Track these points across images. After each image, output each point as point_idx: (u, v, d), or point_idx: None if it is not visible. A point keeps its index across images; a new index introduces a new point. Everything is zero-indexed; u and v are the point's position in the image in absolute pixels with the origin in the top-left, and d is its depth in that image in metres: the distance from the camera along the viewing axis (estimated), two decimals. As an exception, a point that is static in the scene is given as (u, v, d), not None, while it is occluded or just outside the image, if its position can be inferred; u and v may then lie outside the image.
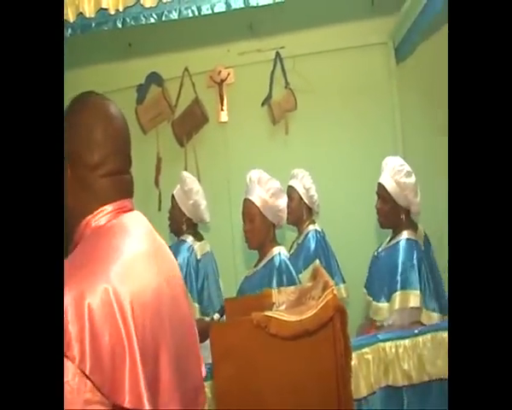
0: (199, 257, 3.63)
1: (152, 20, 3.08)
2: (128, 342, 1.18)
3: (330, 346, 1.92)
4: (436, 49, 4.49)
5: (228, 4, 2.99)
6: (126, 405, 1.16)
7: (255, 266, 3.21)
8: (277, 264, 3.02)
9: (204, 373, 1.54)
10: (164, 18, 3.08)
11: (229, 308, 2.59)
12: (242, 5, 2.98)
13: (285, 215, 3.15)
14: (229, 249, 4.70)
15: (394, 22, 4.49)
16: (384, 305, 2.99)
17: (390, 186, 3.07)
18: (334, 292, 1.91)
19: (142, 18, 3.05)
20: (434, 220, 3.97)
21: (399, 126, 4.70)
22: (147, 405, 1.18)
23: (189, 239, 3.69)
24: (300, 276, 3.32)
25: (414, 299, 2.92)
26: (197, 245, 3.68)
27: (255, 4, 2.98)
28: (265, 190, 3.05)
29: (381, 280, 3.06)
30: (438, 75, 4.54)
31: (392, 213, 3.11)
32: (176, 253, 3.57)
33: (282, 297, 2.49)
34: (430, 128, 4.59)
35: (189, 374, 1.41)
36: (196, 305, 3.52)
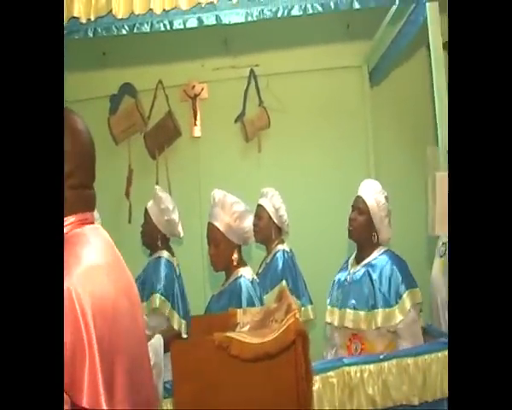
0: (178, 273, 3.62)
1: (123, 32, 3.06)
2: (88, 342, 1.19)
3: (291, 370, 1.89)
4: (409, 75, 4.56)
5: (200, 20, 2.98)
6: (84, 404, 1.17)
7: (223, 284, 3.19)
8: (238, 286, 3.01)
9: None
10: (136, 30, 3.07)
11: (195, 326, 2.56)
12: (214, 22, 2.98)
13: (251, 235, 3.15)
14: (200, 264, 4.65)
15: (369, 47, 4.53)
16: (392, 309, 2.95)
17: (369, 201, 3.09)
18: (297, 316, 1.88)
19: (114, 28, 3.04)
20: (404, 242, 3.97)
21: (372, 148, 4.73)
22: (104, 405, 1.19)
23: (165, 254, 3.67)
24: (267, 296, 3.30)
25: (419, 295, 2.99)
26: (174, 260, 3.67)
27: (227, 22, 2.98)
28: (230, 215, 3.06)
29: (379, 288, 3.01)
30: (410, 100, 4.62)
31: (364, 229, 3.11)
32: (158, 270, 3.57)
33: (246, 318, 2.46)
34: (402, 151, 4.61)
35: (141, 387, 1.41)
36: (183, 320, 3.50)
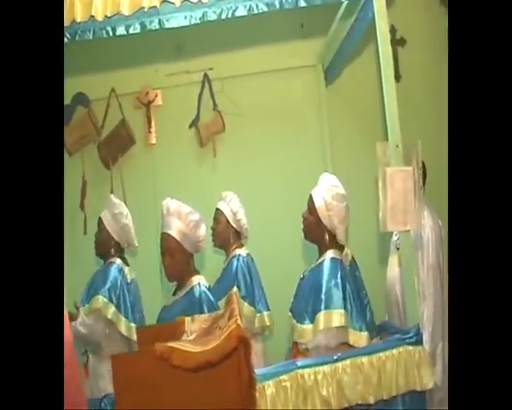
0: (129, 280, 3.57)
1: (65, 40, 3.00)
2: None
3: (234, 377, 1.85)
4: (361, 71, 4.56)
5: (143, 25, 2.94)
6: None
7: (174, 294, 3.17)
8: (197, 294, 3.00)
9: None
10: (78, 38, 3.03)
11: (141, 337, 2.51)
12: (158, 26, 2.94)
13: (204, 244, 3.16)
14: (156, 275, 4.58)
15: (323, 45, 4.50)
16: (308, 326, 2.90)
17: (317, 201, 3.05)
18: (238, 322, 1.84)
19: (55, 37, 2.97)
20: (358, 237, 3.97)
21: (329, 148, 4.71)
22: None
23: (117, 261, 3.63)
24: (220, 302, 3.25)
25: (338, 318, 2.86)
26: (126, 268, 3.62)
27: (170, 26, 2.95)
28: (186, 224, 3.06)
29: (305, 301, 2.99)
30: (363, 97, 4.61)
31: (315, 228, 3.07)
32: (106, 274, 3.54)
33: (194, 326, 2.42)
34: (359, 148, 4.59)
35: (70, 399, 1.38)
36: (132, 324, 3.43)
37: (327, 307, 2.88)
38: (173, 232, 3.05)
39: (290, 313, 3.10)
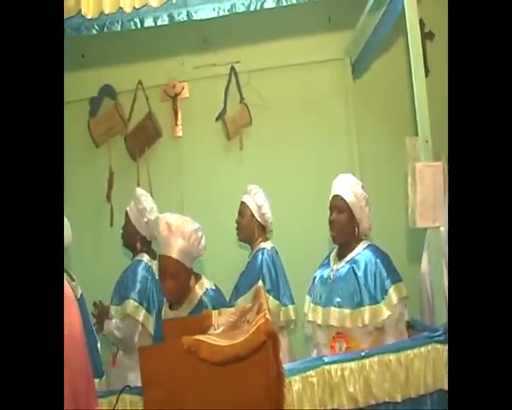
0: (157, 276, 3.55)
1: (94, 32, 3.01)
2: None
3: (262, 372, 1.84)
4: (389, 65, 4.51)
5: (171, 17, 2.93)
6: None
7: (171, 308, 3.04)
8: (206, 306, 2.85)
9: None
10: (106, 30, 3.02)
11: (168, 330, 2.50)
12: (186, 18, 2.93)
13: (203, 250, 2.95)
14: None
15: (351, 39, 4.46)
16: (380, 305, 2.91)
17: (348, 196, 3.06)
18: (267, 316, 1.82)
19: (84, 29, 2.98)
20: (386, 233, 3.94)
21: (356, 142, 4.67)
22: None
23: (145, 258, 3.64)
24: (245, 296, 3.25)
25: (404, 289, 2.96)
26: (154, 264, 3.60)
27: (198, 18, 2.93)
28: (188, 241, 2.84)
29: (366, 283, 2.96)
30: (392, 91, 4.56)
31: (347, 227, 3.07)
32: (135, 274, 3.55)
33: (222, 319, 2.41)
34: (386, 143, 4.55)
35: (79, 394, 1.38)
36: None
37: (394, 282, 2.94)
38: (175, 254, 2.82)
39: (333, 307, 3.05)
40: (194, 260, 2.93)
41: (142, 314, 3.44)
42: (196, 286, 2.94)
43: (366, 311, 2.91)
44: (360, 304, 2.93)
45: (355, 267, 3.01)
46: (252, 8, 2.99)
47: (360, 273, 2.98)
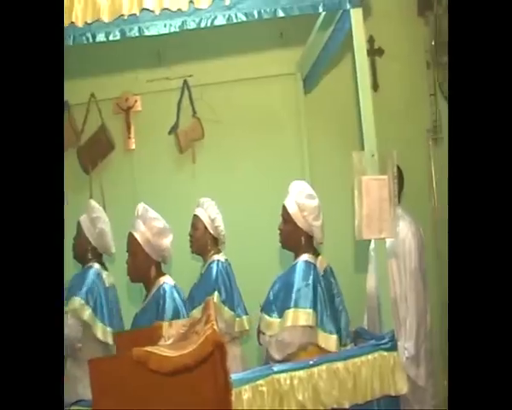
0: (107, 285, 3.57)
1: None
2: None
3: (210, 381, 1.88)
4: (338, 81, 4.61)
5: (122, 32, 2.96)
6: None
7: (144, 300, 3.23)
8: (162, 293, 3.07)
9: None
10: (58, 44, 3.01)
11: (120, 342, 2.53)
12: (137, 34, 2.96)
13: (169, 254, 3.22)
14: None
15: (302, 54, 4.55)
16: (275, 320, 3.02)
17: (291, 207, 3.15)
18: (214, 327, 1.87)
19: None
20: (336, 244, 4.03)
21: (306, 156, 4.75)
22: None
23: (96, 266, 3.65)
24: (199, 308, 3.30)
25: (305, 317, 2.96)
26: (104, 273, 3.63)
27: (149, 34, 2.97)
28: (149, 228, 3.13)
29: (275, 296, 3.11)
30: (341, 106, 4.66)
31: (292, 235, 3.18)
32: (84, 277, 3.55)
33: (172, 330, 2.44)
34: (337, 157, 4.64)
35: None
36: (109, 329, 3.43)
37: (296, 306, 2.98)
38: (137, 234, 3.14)
39: (260, 308, 3.17)
40: (157, 255, 3.17)
41: (87, 313, 3.40)
42: (160, 278, 3.15)
43: (264, 319, 3.05)
44: (266, 312, 3.06)
45: (279, 279, 3.16)
46: (202, 25, 3.03)
47: (278, 286, 3.11)
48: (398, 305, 3.74)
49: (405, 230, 3.78)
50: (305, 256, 3.12)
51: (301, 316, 2.96)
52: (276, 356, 2.98)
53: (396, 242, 3.66)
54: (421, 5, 4.79)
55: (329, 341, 2.98)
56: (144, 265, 3.14)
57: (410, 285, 3.72)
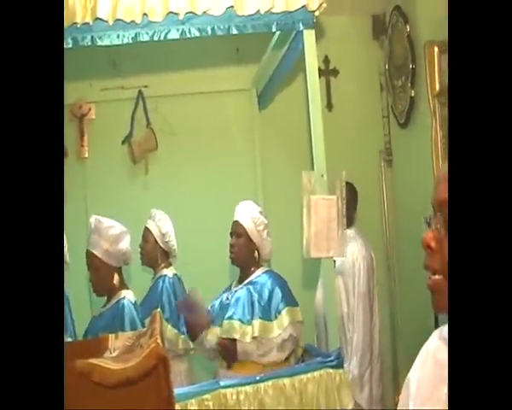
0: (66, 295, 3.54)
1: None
2: None
3: (153, 394, 1.87)
4: (292, 99, 4.66)
5: (75, 41, 2.94)
6: None
7: (104, 306, 3.26)
8: (121, 307, 3.09)
9: None
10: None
11: (69, 352, 2.48)
12: (90, 43, 2.95)
13: (130, 256, 3.26)
14: (86, 288, 4.52)
15: (256, 71, 4.59)
16: (272, 323, 3.03)
17: (245, 221, 3.22)
18: (158, 341, 1.86)
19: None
20: (285, 261, 4.06)
21: (259, 171, 4.77)
22: None
23: None
24: (146, 321, 3.28)
25: (299, 313, 3.12)
26: None
27: (102, 44, 2.96)
28: (106, 240, 3.14)
29: (268, 301, 3.10)
30: (294, 124, 4.71)
31: (245, 250, 3.23)
32: None
33: (118, 343, 2.42)
34: (288, 174, 4.67)
35: None
36: None
37: (289, 305, 3.08)
38: (95, 250, 3.15)
39: (225, 321, 3.14)
40: (119, 261, 3.21)
41: None
42: (122, 291, 3.19)
43: (257, 324, 3.04)
44: (252, 318, 3.06)
45: (251, 288, 3.15)
46: (156, 38, 3.02)
47: (255, 293, 3.12)
48: (346, 325, 3.79)
49: (356, 252, 3.85)
50: (263, 269, 3.25)
51: (297, 312, 3.09)
52: (281, 356, 3.05)
53: (346, 262, 3.73)
54: (376, 29, 4.90)
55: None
56: (107, 275, 3.15)
57: (357, 306, 3.78)
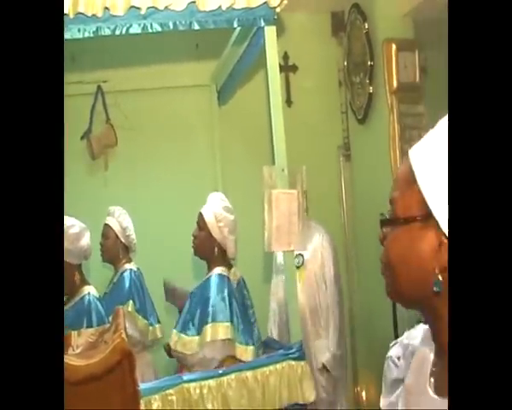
0: None
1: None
2: None
3: (118, 390, 1.88)
4: (252, 95, 4.68)
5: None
6: None
7: (65, 304, 3.20)
8: (86, 303, 3.10)
9: None
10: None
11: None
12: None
13: (90, 250, 3.31)
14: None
15: (216, 66, 4.60)
16: (194, 338, 3.02)
17: (207, 216, 3.20)
18: (123, 336, 1.87)
19: None
20: (249, 259, 4.10)
21: (220, 167, 4.79)
22: None
23: None
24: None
25: (224, 331, 2.99)
26: None
27: (69, 37, 2.93)
28: (66, 239, 3.07)
29: (191, 314, 3.11)
30: (254, 120, 4.73)
31: (205, 243, 3.23)
32: None
33: (81, 339, 2.41)
34: (249, 169, 4.69)
35: None
36: None
37: (214, 320, 3.00)
38: None
39: (175, 328, 3.17)
40: (79, 258, 3.26)
41: None
42: (83, 288, 3.20)
43: (180, 337, 3.07)
44: (182, 330, 3.07)
45: (193, 295, 3.17)
46: (117, 33, 3.01)
47: (193, 302, 3.13)
48: (320, 314, 3.86)
49: (322, 240, 3.93)
50: (219, 270, 3.16)
51: (220, 330, 2.99)
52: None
53: (315, 252, 3.81)
54: (335, 26, 4.95)
55: (246, 352, 3.05)
56: (68, 273, 3.12)
57: (330, 292, 3.87)
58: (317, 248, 3.89)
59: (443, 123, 1.08)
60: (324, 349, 3.76)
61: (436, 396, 1.09)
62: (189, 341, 3.02)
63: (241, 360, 3.04)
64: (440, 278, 1.04)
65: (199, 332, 3.01)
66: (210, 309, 3.01)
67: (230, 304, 3.06)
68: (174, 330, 3.07)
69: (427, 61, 4.27)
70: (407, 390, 1.17)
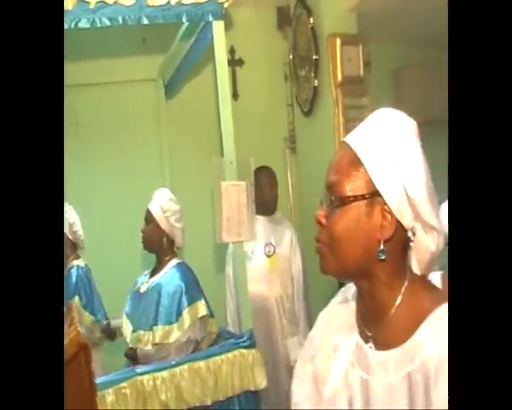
0: None
1: None
2: None
3: (75, 383, 1.89)
4: (200, 89, 4.72)
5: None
6: None
7: None
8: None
9: None
10: None
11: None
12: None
13: (81, 238, 3.49)
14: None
15: (163, 61, 4.60)
16: (172, 326, 3.03)
17: (154, 209, 3.25)
18: (79, 328, 1.89)
19: None
20: (197, 247, 4.14)
21: (167, 162, 4.81)
22: None
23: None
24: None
25: (202, 308, 3.08)
26: None
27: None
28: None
29: (163, 306, 3.10)
30: (202, 113, 4.76)
31: (154, 236, 3.26)
32: None
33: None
34: (197, 162, 4.72)
35: None
36: None
37: (192, 302, 3.06)
38: None
39: (132, 327, 3.18)
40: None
41: None
42: None
43: (158, 330, 3.05)
44: (156, 324, 3.07)
45: (159, 287, 3.17)
46: (66, 27, 2.98)
47: (162, 293, 3.13)
48: (295, 302, 4.02)
49: (290, 231, 4.14)
50: (175, 260, 3.24)
51: (200, 307, 3.07)
52: (179, 356, 3.02)
53: (286, 243, 4.03)
54: (281, 21, 5.02)
55: (213, 325, 3.23)
56: None
57: (299, 279, 4.06)
58: (288, 244, 4.06)
59: (374, 114, 1.27)
60: (296, 345, 3.85)
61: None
62: (170, 330, 3.03)
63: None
64: (382, 247, 1.17)
65: (177, 319, 3.04)
66: (185, 294, 3.06)
67: (198, 284, 3.17)
68: (155, 327, 3.04)
69: (370, 55, 4.39)
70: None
